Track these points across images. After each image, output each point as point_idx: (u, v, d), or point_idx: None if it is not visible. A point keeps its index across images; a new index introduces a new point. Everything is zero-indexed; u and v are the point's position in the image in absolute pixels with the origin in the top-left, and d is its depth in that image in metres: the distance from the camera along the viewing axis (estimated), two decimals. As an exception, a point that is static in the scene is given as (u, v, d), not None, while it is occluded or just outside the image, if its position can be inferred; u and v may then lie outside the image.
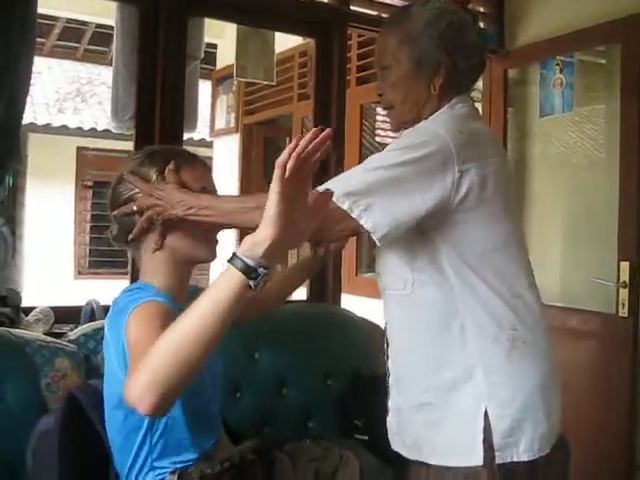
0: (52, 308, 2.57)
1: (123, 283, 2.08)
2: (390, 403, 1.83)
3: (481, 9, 3.87)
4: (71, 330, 2.34)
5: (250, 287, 1.19)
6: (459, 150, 1.56)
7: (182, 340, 1.19)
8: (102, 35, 8.79)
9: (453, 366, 1.63)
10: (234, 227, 1.54)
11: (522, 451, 1.60)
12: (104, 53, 9.63)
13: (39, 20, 2.33)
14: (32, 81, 2.33)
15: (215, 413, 1.79)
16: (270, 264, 1.19)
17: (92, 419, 1.68)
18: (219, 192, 1.76)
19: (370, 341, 2.62)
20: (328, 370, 2.52)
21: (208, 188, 1.69)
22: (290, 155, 1.15)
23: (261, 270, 1.18)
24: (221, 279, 1.20)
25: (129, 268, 2.65)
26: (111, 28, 2.83)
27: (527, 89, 3.87)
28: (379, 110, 6.84)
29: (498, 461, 1.59)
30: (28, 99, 2.34)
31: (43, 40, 8.93)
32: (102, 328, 2.16)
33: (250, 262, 1.18)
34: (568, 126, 3.68)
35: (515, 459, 1.60)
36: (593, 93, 3.64)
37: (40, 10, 2.30)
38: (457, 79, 1.73)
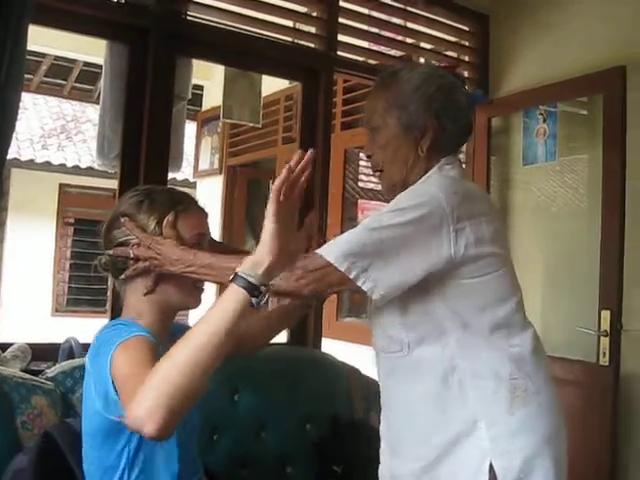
0: (30, 345, 2.53)
1: (101, 321, 2.06)
2: (382, 469, 1.81)
3: (466, 58, 3.93)
4: (49, 367, 2.30)
5: (252, 305, 1.25)
6: (453, 210, 1.59)
7: (188, 358, 1.22)
8: (89, 73, 8.83)
9: (454, 422, 1.63)
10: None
11: None
12: (90, 91, 9.66)
13: (27, 57, 2.33)
14: (18, 117, 2.32)
15: (192, 452, 1.75)
16: (269, 283, 1.28)
17: (67, 458, 1.66)
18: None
19: (350, 385, 2.61)
20: (307, 414, 2.49)
21: (204, 233, 1.72)
22: (284, 182, 1.26)
23: (263, 288, 1.27)
24: (225, 298, 1.26)
25: (108, 306, 2.63)
26: (98, 66, 2.85)
27: (510, 138, 3.91)
28: (362, 155, 6.90)
29: None
30: (13, 135, 2.33)
31: (30, 76, 8.96)
32: (81, 366, 2.15)
33: (253, 280, 1.26)
34: (550, 175, 3.72)
35: None
36: (575, 143, 3.68)
37: (29, 46, 2.30)
38: (445, 141, 1.76)
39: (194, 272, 1.61)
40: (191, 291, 1.68)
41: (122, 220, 1.65)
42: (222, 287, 1.53)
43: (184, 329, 1.78)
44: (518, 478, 1.58)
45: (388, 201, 1.72)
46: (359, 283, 1.54)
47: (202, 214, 1.74)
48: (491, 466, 1.58)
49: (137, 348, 1.43)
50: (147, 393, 1.21)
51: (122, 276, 1.66)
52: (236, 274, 1.27)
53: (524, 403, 1.62)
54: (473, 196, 1.73)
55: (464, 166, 3.84)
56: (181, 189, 1.80)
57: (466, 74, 3.87)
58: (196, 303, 1.71)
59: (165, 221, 1.64)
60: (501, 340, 1.65)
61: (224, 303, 1.26)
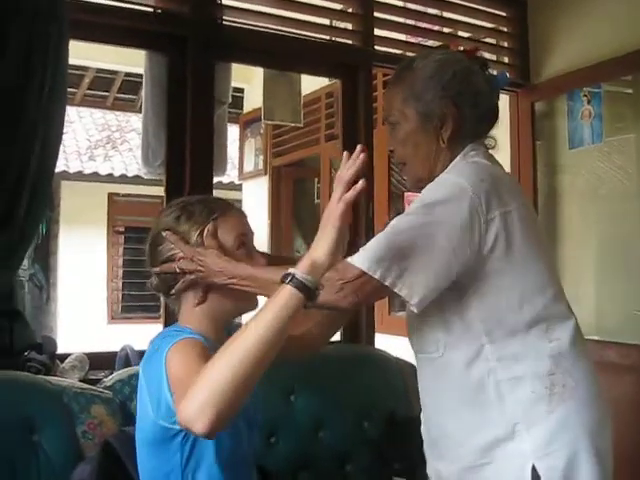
0: (87, 354, 2.57)
1: (156, 327, 2.09)
2: (428, 469, 1.80)
3: (505, 44, 3.88)
4: (106, 376, 2.34)
5: (305, 306, 1.27)
6: (482, 199, 1.55)
7: (241, 357, 1.23)
8: (131, 83, 8.95)
9: (492, 425, 1.59)
10: (267, 297, 1.59)
11: None
12: (133, 101, 9.79)
13: (70, 71, 2.37)
14: (64, 130, 2.36)
15: (248, 458, 1.75)
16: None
17: (127, 467, 1.67)
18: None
19: (405, 381, 2.59)
20: (364, 412, 2.49)
21: (246, 234, 1.72)
22: (352, 189, 1.29)
23: (317, 291, 1.28)
24: (279, 298, 1.27)
25: (162, 312, 2.66)
26: (139, 76, 2.88)
27: (555, 121, 3.85)
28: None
29: None
30: (60, 147, 2.38)
31: (74, 90, 9.10)
32: (137, 374, 2.17)
33: (309, 283, 1.27)
34: (597, 157, 3.65)
35: None
36: (621, 123, 3.60)
37: (70, 61, 2.34)
38: (466, 128, 1.72)
39: (236, 284, 1.61)
40: (243, 296, 1.68)
41: (164, 234, 1.66)
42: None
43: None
44: (563, 477, 1.53)
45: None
46: (396, 290, 1.50)
47: (240, 215, 1.74)
48: (534, 468, 1.53)
49: (190, 349, 1.45)
50: (198, 391, 1.22)
51: (172, 291, 1.67)
52: (293, 276, 1.27)
53: (563, 399, 1.57)
54: (501, 182, 1.67)
55: (509, 153, 3.81)
56: (217, 195, 1.81)
57: (506, 60, 3.83)
58: (252, 305, 1.71)
59: (205, 232, 1.64)
60: (539, 336, 1.60)
61: (278, 304, 1.27)
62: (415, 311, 1.55)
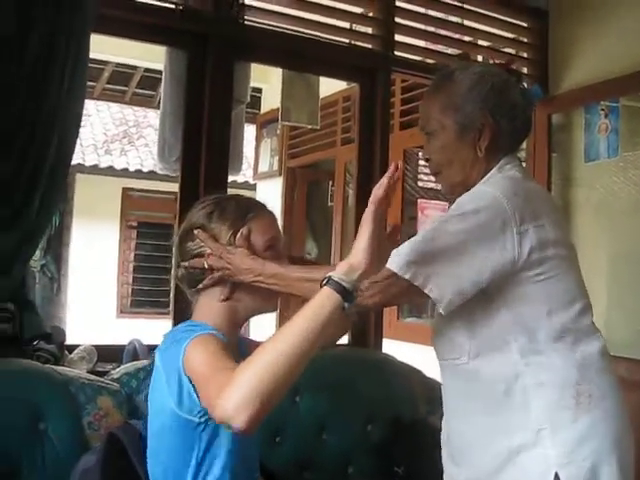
0: (95, 346, 2.59)
1: (164, 322, 2.10)
2: (446, 476, 1.80)
3: (524, 54, 3.88)
4: (114, 369, 2.35)
5: (344, 309, 1.29)
6: (516, 212, 1.58)
7: (281, 355, 1.26)
8: (150, 79, 8.96)
9: (517, 432, 1.60)
10: (293, 295, 1.62)
11: None
12: (151, 97, 9.80)
13: (90, 65, 2.38)
14: (82, 123, 2.38)
15: (254, 461, 1.76)
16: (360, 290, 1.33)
17: (132, 459, 1.68)
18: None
19: (411, 387, 2.60)
20: (369, 415, 2.49)
21: (276, 236, 1.73)
22: (386, 190, 1.35)
23: (355, 294, 1.31)
24: (318, 299, 1.30)
25: (171, 307, 2.67)
26: (158, 72, 2.90)
27: (571, 134, 3.84)
28: (421, 155, 6.83)
29: None
30: (77, 140, 2.39)
31: (93, 83, 9.13)
32: (145, 368, 2.19)
33: (347, 285, 1.30)
34: (613, 171, 3.63)
35: None
36: (638, 138, 3.60)
37: (91, 55, 2.36)
38: (503, 140, 1.74)
39: (262, 282, 1.64)
40: (267, 295, 1.70)
41: (195, 232, 1.68)
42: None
43: (247, 343, 1.81)
44: None
45: (449, 200, 1.71)
46: (426, 290, 1.53)
47: (272, 218, 1.76)
48: (557, 476, 1.54)
49: (210, 344, 1.46)
50: (238, 387, 1.24)
51: (200, 286, 1.68)
52: (330, 278, 1.31)
53: (588, 409, 1.58)
54: (535, 196, 1.70)
55: (524, 164, 3.80)
56: (247, 194, 1.83)
57: (525, 70, 3.82)
58: (273, 307, 1.74)
59: (239, 234, 1.66)
60: (567, 346, 1.61)
61: (317, 305, 1.30)
62: (443, 314, 1.59)
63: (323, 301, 1.30)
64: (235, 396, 1.24)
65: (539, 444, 1.57)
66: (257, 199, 1.82)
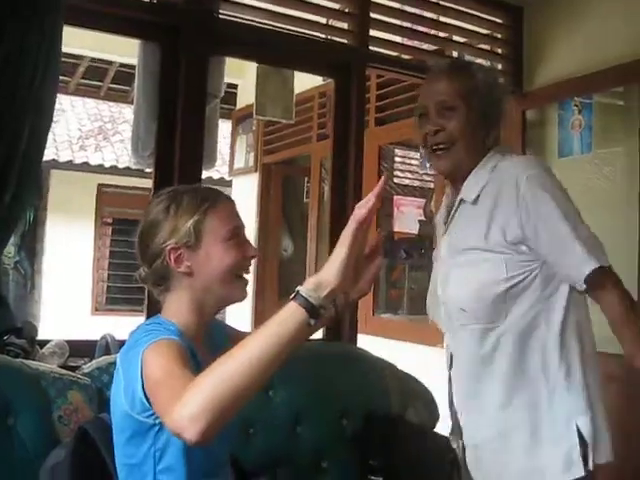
0: (68, 342, 2.57)
1: (139, 320, 2.08)
2: (466, 440, 1.95)
3: (499, 50, 3.90)
4: (85, 364, 2.34)
5: (309, 325, 1.24)
6: None
7: (239, 369, 1.21)
8: (125, 74, 8.90)
9: (542, 383, 1.83)
10: None
11: (602, 455, 1.77)
12: (127, 92, 9.75)
13: (64, 59, 2.36)
14: (56, 118, 2.36)
15: (221, 456, 1.73)
16: (328, 306, 1.26)
17: (102, 453, 1.67)
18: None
19: (386, 381, 2.60)
20: (343, 409, 2.50)
21: (237, 224, 1.70)
22: (370, 210, 1.26)
23: (322, 311, 1.24)
24: (283, 314, 1.25)
25: (145, 305, 2.66)
26: (134, 67, 2.87)
27: (545, 130, 3.86)
28: (397, 151, 6.87)
29: (591, 468, 1.74)
30: (51, 136, 2.37)
31: (68, 79, 9.07)
32: (116, 362, 2.17)
33: (314, 301, 1.24)
34: (586, 167, 3.66)
35: (598, 462, 1.76)
36: (611, 135, 3.62)
37: (65, 49, 2.33)
38: (499, 134, 1.97)
39: None
40: (234, 281, 1.67)
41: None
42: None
43: (222, 326, 1.79)
44: (598, 428, 1.79)
45: (425, 197, 1.83)
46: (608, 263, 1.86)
47: (231, 205, 1.72)
48: (577, 426, 1.76)
49: (167, 350, 1.45)
50: (192, 399, 1.21)
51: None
52: (298, 292, 1.25)
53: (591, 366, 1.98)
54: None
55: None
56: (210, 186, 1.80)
57: (499, 66, 3.84)
58: (241, 295, 1.70)
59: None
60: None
61: (281, 319, 1.25)
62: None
63: (287, 316, 1.24)
64: (186, 410, 1.20)
65: (566, 394, 1.82)
66: (215, 188, 1.78)
